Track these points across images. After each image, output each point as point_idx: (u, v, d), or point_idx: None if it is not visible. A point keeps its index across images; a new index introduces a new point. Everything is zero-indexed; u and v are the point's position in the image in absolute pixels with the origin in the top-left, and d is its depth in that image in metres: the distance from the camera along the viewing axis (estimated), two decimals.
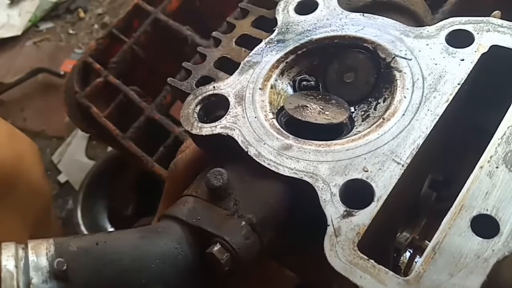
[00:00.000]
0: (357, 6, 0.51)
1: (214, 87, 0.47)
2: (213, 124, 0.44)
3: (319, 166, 0.39)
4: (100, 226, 1.24)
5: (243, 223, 0.38)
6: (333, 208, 0.36)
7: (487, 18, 0.44)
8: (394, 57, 0.44)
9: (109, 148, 1.42)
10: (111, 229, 1.22)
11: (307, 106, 0.44)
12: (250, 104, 0.44)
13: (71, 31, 1.98)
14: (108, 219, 1.25)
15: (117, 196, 1.27)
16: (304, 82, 0.47)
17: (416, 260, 0.55)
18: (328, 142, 0.40)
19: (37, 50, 1.95)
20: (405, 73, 0.43)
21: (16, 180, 0.65)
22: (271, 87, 0.46)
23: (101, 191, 1.24)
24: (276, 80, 0.47)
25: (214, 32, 0.56)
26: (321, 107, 0.44)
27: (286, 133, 0.42)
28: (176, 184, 0.46)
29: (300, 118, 0.43)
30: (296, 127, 0.43)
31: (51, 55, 1.91)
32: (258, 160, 0.40)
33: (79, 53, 1.83)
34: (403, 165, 0.37)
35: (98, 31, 1.92)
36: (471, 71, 0.41)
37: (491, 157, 0.36)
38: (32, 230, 0.65)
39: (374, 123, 0.41)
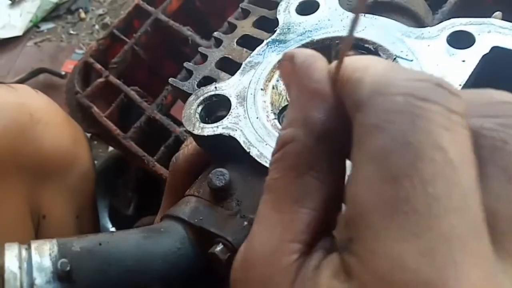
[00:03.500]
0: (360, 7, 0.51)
1: (215, 87, 0.47)
2: (215, 124, 0.44)
3: None
4: (101, 225, 1.24)
5: (245, 223, 0.39)
6: None
7: (488, 19, 0.44)
8: (395, 58, 0.44)
9: (110, 148, 1.42)
10: (112, 229, 1.22)
11: None
12: (252, 104, 0.44)
13: (72, 32, 1.98)
14: (109, 218, 1.25)
15: (118, 195, 1.27)
16: None
17: None
18: None
19: (38, 51, 1.95)
20: None
21: (71, 164, 0.68)
22: (273, 88, 0.46)
23: (102, 191, 1.24)
24: (277, 81, 0.47)
25: (215, 33, 0.56)
26: None
27: None
28: (177, 178, 0.47)
29: None
30: None
31: (52, 55, 1.91)
32: (260, 161, 0.40)
33: (80, 53, 1.83)
34: None
35: (99, 31, 1.92)
36: (472, 72, 0.41)
37: None
38: (78, 212, 0.69)
39: None
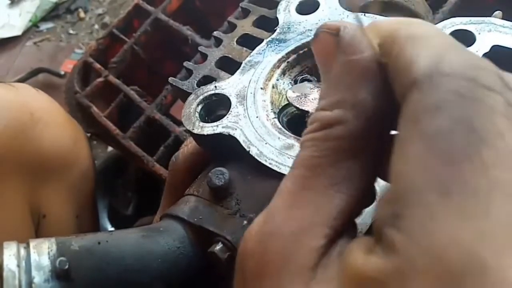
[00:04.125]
0: (358, 6, 0.51)
1: (215, 86, 0.47)
2: (215, 123, 0.44)
3: None
4: (101, 225, 1.24)
5: (245, 222, 0.39)
6: None
7: (488, 18, 0.44)
8: None
9: (110, 148, 1.42)
10: (111, 229, 1.22)
11: (309, 96, 0.44)
12: (252, 103, 0.44)
13: (71, 31, 1.98)
14: (108, 218, 1.25)
15: (118, 195, 1.27)
16: (306, 82, 0.47)
17: None
18: None
19: (37, 50, 1.95)
20: None
21: (72, 163, 0.68)
22: (273, 87, 0.46)
23: (101, 191, 1.24)
24: (277, 80, 0.47)
25: (215, 32, 0.56)
26: None
27: (288, 132, 0.42)
28: (177, 177, 0.47)
29: (297, 105, 0.43)
30: (298, 126, 0.43)
31: (51, 55, 1.91)
32: (260, 160, 0.40)
33: (79, 53, 1.83)
34: None
35: (98, 31, 1.92)
36: None
37: None
38: (78, 211, 0.69)
39: None
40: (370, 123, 0.22)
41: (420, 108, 0.19)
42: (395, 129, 0.21)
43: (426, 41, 0.21)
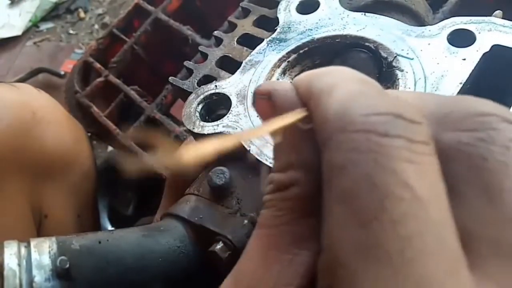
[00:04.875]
0: (358, 6, 0.51)
1: (216, 86, 0.47)
2: (215, 123, 0.44)
3: None
4: (101, 225, 1.24)
5: (246, 221, 0.39)
6: None
7: (488, 17, 0.44)
8: (396, 57, 0.44)
9: (110, 148, 1.42)
10: (112, 229, 1.22)
11: None
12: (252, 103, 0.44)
13: (71, 31, 1.98)
14: (109, 218, 1.25)
15: (118, 196, 1.27)
16: None
17: None
18: None
19: (37, 50, 1.95)
20: (407, 72, 0.43)
21: (73, 163, 0.68)
22: None
23: (101, 191, 1.24)
24: (278, 79, 0.47)
25: (215, 31, 0.56)
26: None
27: None
28: (177, 177, 0.47)
29: None
30: None
31: (51, 55, 1.91)
32: (260, 159, 0.40)
33: (79, 53, 1.83)
34: None
35: (98, 31, 1.92)
36: (472, 70, 0.41)
37: None
38: (79, 211, 0.69)
39: None
40: (319, 183, 0.22)
41: (329, 169, 0.19)
42: None
43: (334, 93, 0.20)
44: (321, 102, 0.20)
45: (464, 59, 0.42)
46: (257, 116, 0.43)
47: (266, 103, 0.23)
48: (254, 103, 0.24)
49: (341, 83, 0.20)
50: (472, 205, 0.19)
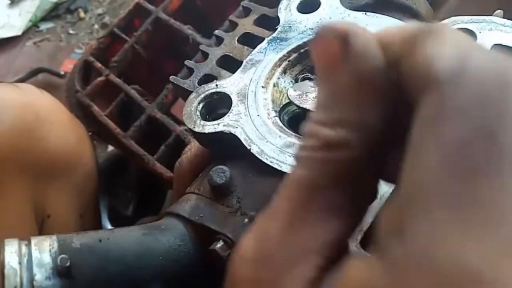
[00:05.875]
0: (359, 5, 0.52)
1: (216, 85, 0.47)
2: (216, 122, 0.44)
3: None
4: (101, 225, 1.24)
5: (246, 220, 0.39)
6: None
7: (489, 17, 0.44)
8: None
9: (110, 148, 1.42)
10: (112, 228, 1.22)
11: (310, 94, 0.44)
12: (253, 102, 0.44)
13: (71, 31, 1.98)
14: (109, 218, 1.25)
15: (118, 196, 1.27)
16: (307, 81, 0.47)
17: None
18: None
19: (37, 50, 1.95)
20: None
21: (76, 163, 0.68)
22: (274, 85, 0.46)
23: (102, 191, 1.24)
24: (278, 79, 0.47)
25: (216, 31, 0.56)
26: None
27: (289, 131, 0.42)
28: (183, 181, 0.47)
29: (298, 104, 0.43)
30: (299, 124, 0.43)
31: (51, 55, 1.91)
32: (261, 158, 0.40)
33: (79, 53, 1.83)
34: None
35: (98, 31, 1.92)
36: None
37: None
38: (82, 211, 0.69)
39: None
40: (375, 150, 0.20)
41: (439, 112, 0.17)
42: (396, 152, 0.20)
43: (449, 39, 0.19)
44: (431, 45, 0.18)
45: None
46: (258, 115, 0.43)
47: (336, 44, 0.20)
48: (317, 40, 0.20)
49: (456, 33, 0.19)
50: None
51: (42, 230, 0.64)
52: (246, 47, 0.52)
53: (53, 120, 0.66)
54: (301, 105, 0.43)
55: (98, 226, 0.76)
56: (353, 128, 0.19)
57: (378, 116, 0.20)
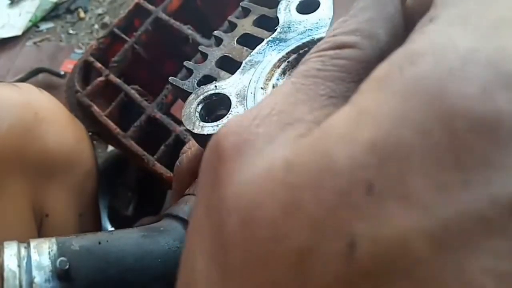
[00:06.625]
0: None
1: (215, 86, 0.47)
2: (215, 123, 0.43)
3: None
4: (101, 225, 1.24)
5: None
6: None
7: None
8: None
9: (110, 148, 1.42)
10: (112, 229, 1.22)
11: None
12: (252, 103, 0.44)
13: (71, 31, 1.98)
14: (109, 218, 1.25)
15: (118, 196, 1.27)
16: None
17: None
18: None
19: (37, 50, 1.95)
20: None
21: (75, 162, 0.69)
22: (273, 87, 0.46)
23: (101, 191, 1.24)
24: (278, 80, 0.47)
25: (215, 31, 0.56)
26: None
27: None
28: (183, 181, 0.47)
29: None
30: None
31: (51, 55, 1.91)
32: None
33: (79, 53, 1.83)
34: None
35: (98, 31, 1.92)
36: None
37: None
38: (81, 210, 0.69)
39: None
40: (381, 56, 0.21)
41: None
42: None
43: None
44: None
45: None
46: None
47: None
48: None
49: None
50: None
51: (41, 229, 0.64)
52: (245, 48, 0.52)
53: (52, 120, 0.66)
54: None
55: (98, 225, 0.76)
56: (364, 35, 0.21)
57: (387, 33, 0.21)
